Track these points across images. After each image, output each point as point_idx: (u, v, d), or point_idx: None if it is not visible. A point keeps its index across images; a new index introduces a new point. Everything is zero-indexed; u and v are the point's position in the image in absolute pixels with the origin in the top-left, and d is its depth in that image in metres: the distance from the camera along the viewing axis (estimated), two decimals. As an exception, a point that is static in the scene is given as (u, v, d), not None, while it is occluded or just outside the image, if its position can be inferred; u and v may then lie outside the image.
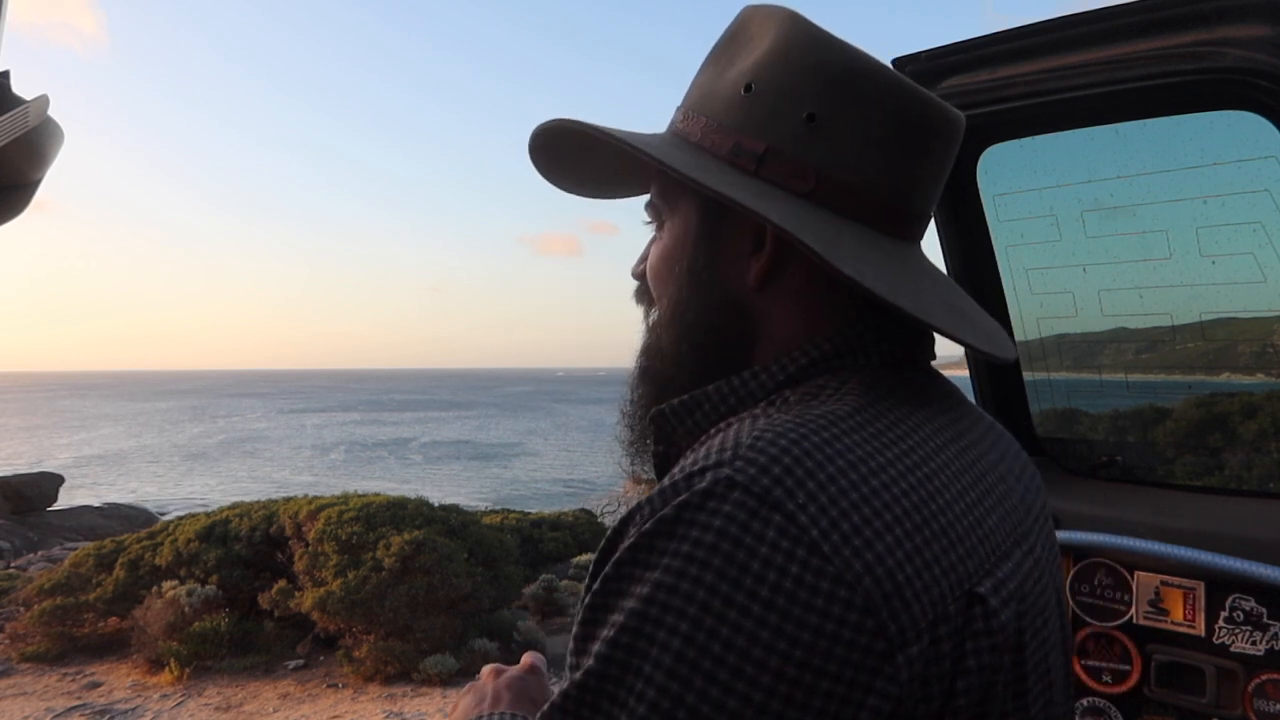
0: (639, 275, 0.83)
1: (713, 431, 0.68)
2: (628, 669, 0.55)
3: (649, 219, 0.81)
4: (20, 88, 0.76)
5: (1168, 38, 1.28)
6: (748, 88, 0.72)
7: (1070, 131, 1.53)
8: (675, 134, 0.77)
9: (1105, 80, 1.35)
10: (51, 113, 0.79)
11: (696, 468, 0.59)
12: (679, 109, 0.78)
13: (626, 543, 0.58)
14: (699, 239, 0.75)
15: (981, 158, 1.62)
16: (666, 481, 0.60)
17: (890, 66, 0.73)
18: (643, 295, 0.83)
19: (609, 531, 0.63)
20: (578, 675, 0.57)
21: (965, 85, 1.49)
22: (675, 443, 0.74)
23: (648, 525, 0.57)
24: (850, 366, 0.72)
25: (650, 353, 0.79)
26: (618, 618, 0.56)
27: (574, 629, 0.61)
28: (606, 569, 0.59)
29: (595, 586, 0.59)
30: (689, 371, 0.75)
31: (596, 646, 0.57)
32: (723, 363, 0.74)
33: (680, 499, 0.57)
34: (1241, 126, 1.32)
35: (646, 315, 0.82)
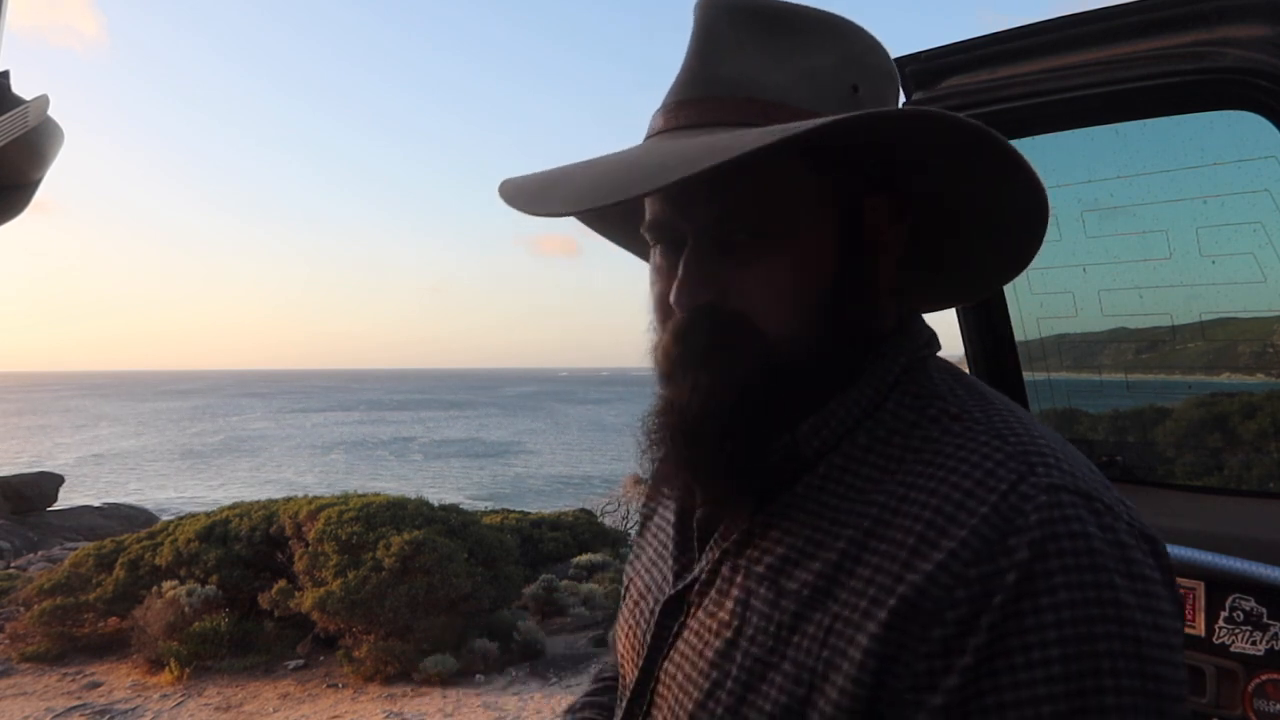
0: (704, 305, 0.68)
1: (881, 437, 0.66)
2: (1101, 680, 0.53)
3: (737, 235, 0.68)
4: (24, 90, 0.76)
5: (1168, 38, 1.28)
6: (855, 88, 0.70)
7: (1070, 131, 1.53)
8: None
9: (1105, 80, 1.35)
10: (53, 114, 0.79)
11: (1009, 484, 0.58)
12: (742, 93, 0.68)
13: (1008, 579, 0.55)
14: (858, 235, 0.70)
15: (981, 158, 1.62)
16: (983, 511, 0.57)
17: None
18: (710, 329, 0.68)
19: (973, 580, 0.56)
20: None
21: (965, 85, 1.49)
22: (804, 458, 0.69)
23: (1022, 555, 0.55)
24: (928, 350, 0.74)
25: (764, 379, 0.67)
26: (1055, 652, 0.53)
27: (959, 663, 0.55)
28: (997, 598, 0.55)
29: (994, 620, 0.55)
30: (820, 380, 0.69)
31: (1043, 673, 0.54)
32: (853, 360, 0.70)
33: (1041, 515, 0.56)
34: (1241, 126, 1.32)
35: (723, 349, 0.67)
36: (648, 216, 0.73)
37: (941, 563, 0.57)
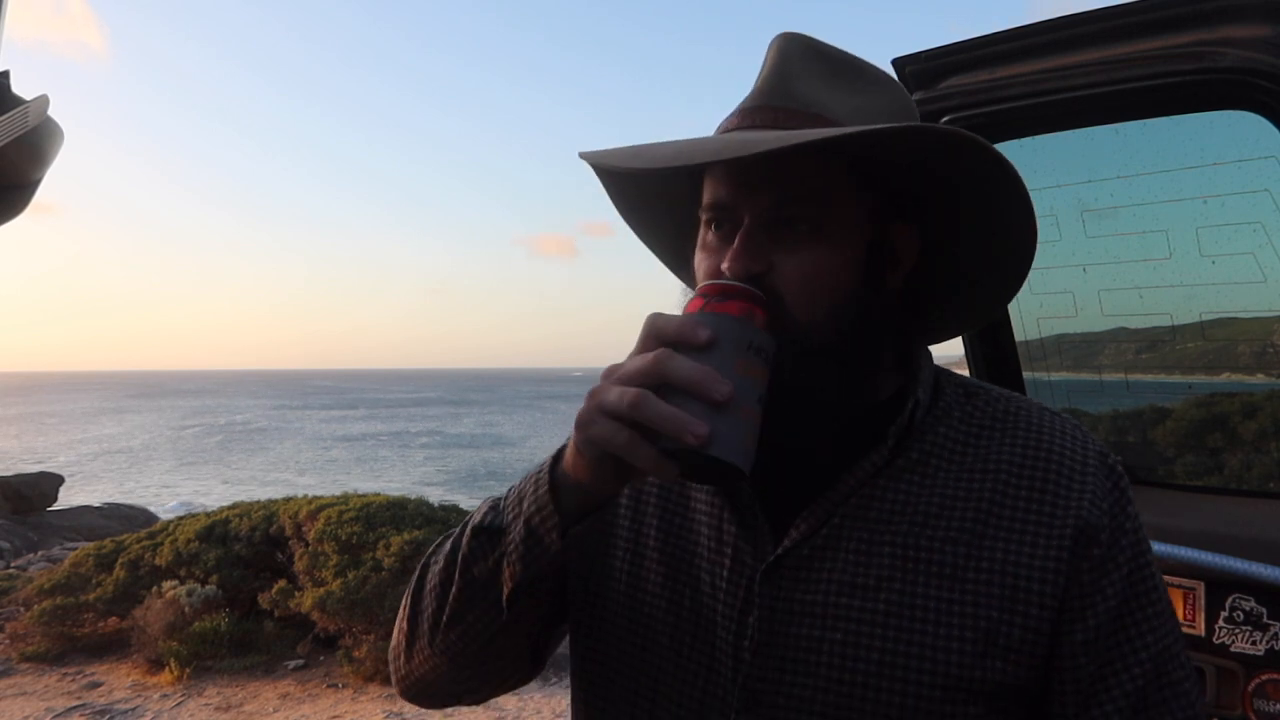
0: (749, 276, 0.74)
1: (965, 414, 0.85)
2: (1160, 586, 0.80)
3: (787, 218, 0.76)
4: (27, 95, 0.76)
5: (1168, 38, 1.28)
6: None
7: (1070, 131, 1.52)
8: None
9: (1105, 80, 1.35)
10: (61, 120, 0.79)
11: (1091, 442, 0.82)
12: (811, 109, 0.79)
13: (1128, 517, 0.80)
14: (886, 225, 0.81)
15: (981, 158, 1.62)
16: (1093, 465, 0.80)
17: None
18: (755, 298, 0.73)
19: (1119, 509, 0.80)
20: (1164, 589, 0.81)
21: (965, 85, 1.49)
22: (909, 431, 0.84)
23: (1120, 493, 0.80)
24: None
25: (791, 359, 0.75)
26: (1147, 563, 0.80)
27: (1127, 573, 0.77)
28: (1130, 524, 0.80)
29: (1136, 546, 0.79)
30: (840, 367, 0.79)
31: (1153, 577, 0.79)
32: (866, 357, 0.82)
33: (1111, 461, 0.82)
34: (1241, 126, 1.32)
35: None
36: (708, 198, 0.80)
37: (1090, 499, 0.77)
